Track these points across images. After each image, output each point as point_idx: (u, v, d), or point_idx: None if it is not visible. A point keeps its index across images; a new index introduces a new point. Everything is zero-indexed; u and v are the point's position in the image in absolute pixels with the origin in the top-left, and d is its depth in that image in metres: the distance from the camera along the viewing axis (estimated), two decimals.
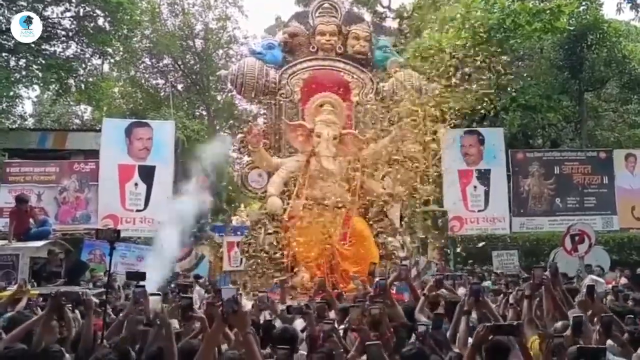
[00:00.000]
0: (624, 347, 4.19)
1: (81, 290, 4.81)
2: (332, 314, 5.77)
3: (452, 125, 10.30)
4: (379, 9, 24.31)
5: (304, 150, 10.86)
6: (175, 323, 4.39)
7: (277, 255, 10.51)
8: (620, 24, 19.40)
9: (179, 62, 26.03)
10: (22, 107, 22.50)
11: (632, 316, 4.85)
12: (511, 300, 5.28)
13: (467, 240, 14.94)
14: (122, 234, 14.00)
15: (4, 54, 18.40)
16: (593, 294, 4.71)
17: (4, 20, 18.02)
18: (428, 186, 10.46)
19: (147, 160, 16.12)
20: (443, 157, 11.64)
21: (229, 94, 25.21)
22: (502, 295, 6.31)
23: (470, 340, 3.89)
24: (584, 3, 18.70)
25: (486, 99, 9.89)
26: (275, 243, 10.59)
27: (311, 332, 4.61)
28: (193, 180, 11.81)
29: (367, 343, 3.64)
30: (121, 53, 22.10)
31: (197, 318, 4.18)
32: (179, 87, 26.98)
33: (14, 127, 19.95)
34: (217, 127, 26.83)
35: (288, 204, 10.60)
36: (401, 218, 11.80)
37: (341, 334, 4.62)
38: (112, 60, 22.79)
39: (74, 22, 19.46)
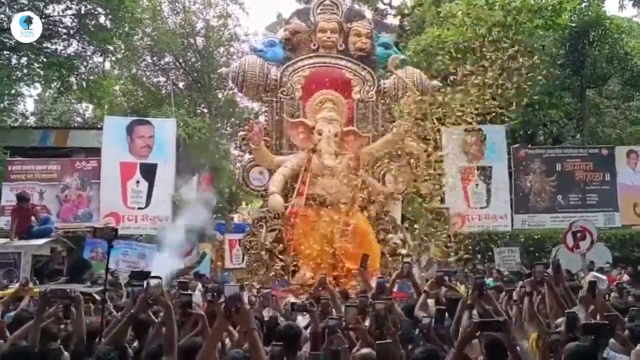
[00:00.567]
0: (625, 345, 4.19)
1: (69, 288, 4.81)
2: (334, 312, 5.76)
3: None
4: (380, 6, 24.27)
5: (305, 147, 10.86)
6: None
7: (279, 252, 10.52)
8: (622, 21, 19.39)
9: (180, 60, 25.99)
10: (24, 105, 22.61)
11: (635, 308, 4.84)
12: (515, 297, 5.26)
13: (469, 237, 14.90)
14: (124, 232, 14.25)
15: (5, 52, 18.42)
16: (595, 290, 4.71)
17: (6, 19, 18.03)
18: (429, 183, 10.45)
19: (148, 158, 16.11)
20: (444, 154, 11.62)
21: (230, 92, 25.18)
22: (503, 293, 6.30)
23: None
24: (585, 0, 18.67)
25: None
26: (276, 241, 10.60)
27: (314, 329, 4.61)
28: (197, 180, 11.82)
29: (378, 342, 3.66)
30: (122, 51, 22.07)
31: (196, 315, 4.17)
32: (180, 84, 26.93)
33: (15, 125, 19.98)
34: (219, 125, 26.80)
35: (289, 201, 10.61)
36: (403, 215, 11.81)
37: None
38: (113, 58, 22.77)
39: (75, 20, 19.45)
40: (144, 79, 26.32)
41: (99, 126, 19.19)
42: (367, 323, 4.35)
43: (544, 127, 20.69)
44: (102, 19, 19.32)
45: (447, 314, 4.60)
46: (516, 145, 18.10)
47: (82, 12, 19.19)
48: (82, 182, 16.32)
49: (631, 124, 21.87)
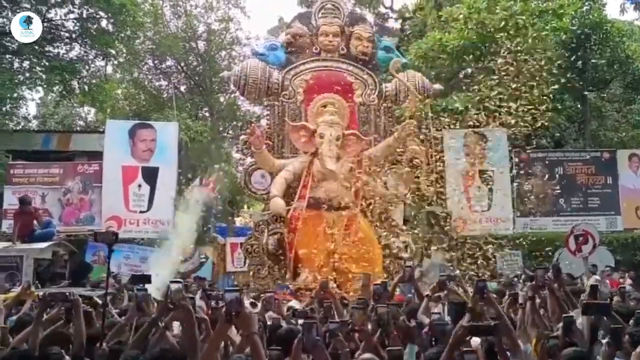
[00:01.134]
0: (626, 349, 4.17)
1: (68, 291, 4.78)
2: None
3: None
4: (381, 9, 24.30)
5: (307, 151, 10.87)
6: (176, 327, 4.35)
7: (280, 256, 10.52)
8: (624, 24, 19.37)
9: (182, 64, 26.06)
10: (26, 109, 22.70)
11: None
12: (520, 300, 5.23)
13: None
14: (126, 235, 14.25)
15: (7, 56, 18.48)
16: (596, 293, 4.70)
17: (7, 22, 18.08)
18: (431, 187, 10.45)
19: (150, 161, 16.10)
20: (446, 157, 11.62)
21: (232, 96, 25.24)
22: (505, 296, 6.28)
23: (475, 339, 3.88)
24: (587, 3, 18.68)
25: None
26: (278, 244, 10.60)
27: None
28: (200, 183, 11.81)
29: (389, 349, 3.65)
30: (124, 55, 22.15)
31: (199, 319, 4.16)
32: (182, 88, 26.99)
33: (17, 128, 20.05)
34: (221, 129, 26.83)
35: (291, 204, 10.61)
36: (405, 219, 11.80)
37: None
38: (115, 62, 22.88)
39: (77, 24, 19.52)
40: (146, 83, 26.39)
41: (101, 130, 19.23)
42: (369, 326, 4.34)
43: (545, 131, 20.64)
44: (104, 23, 19.39)
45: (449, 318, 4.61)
46: (518, 149, 18.07)
47: (84, 16, 19.24)
48: (84, 186, 16.33)
49: (633, 127, 21.82)
